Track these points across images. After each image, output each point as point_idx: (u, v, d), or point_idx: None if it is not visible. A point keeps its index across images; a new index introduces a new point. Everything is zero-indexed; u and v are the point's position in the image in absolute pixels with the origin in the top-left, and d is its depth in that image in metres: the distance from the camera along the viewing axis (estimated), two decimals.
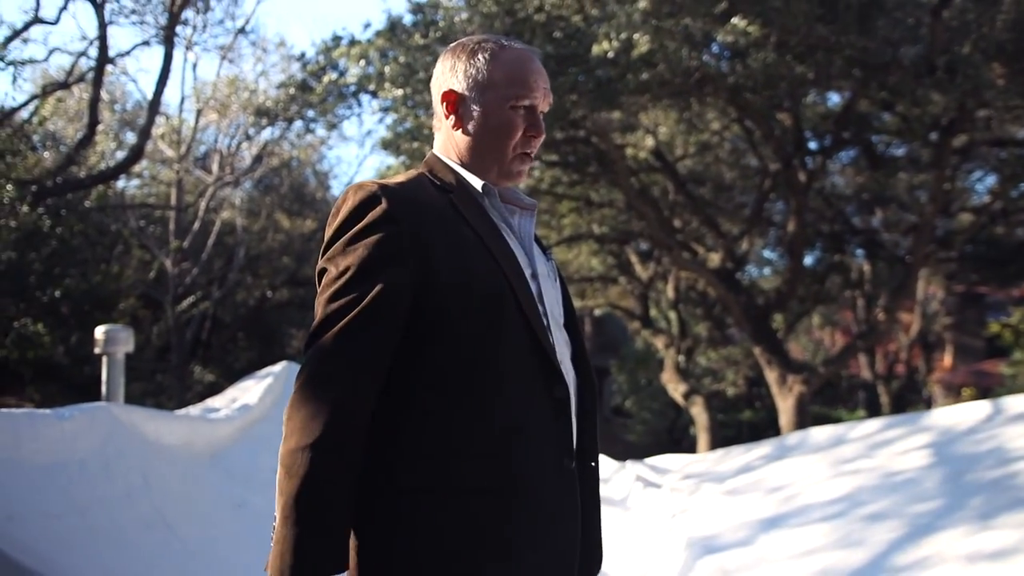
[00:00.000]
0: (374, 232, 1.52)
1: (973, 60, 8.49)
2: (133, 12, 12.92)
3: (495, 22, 8.74)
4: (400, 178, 1.66)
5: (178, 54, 17.38)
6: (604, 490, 6.29)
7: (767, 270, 21.56)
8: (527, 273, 1.64)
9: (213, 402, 6.40)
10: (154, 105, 11.40)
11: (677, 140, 14.87)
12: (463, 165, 1.71)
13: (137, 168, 18.47)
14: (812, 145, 14.58)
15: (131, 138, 17.80)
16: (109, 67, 14.51)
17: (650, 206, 13.79)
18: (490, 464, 1.50)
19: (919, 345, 22.74)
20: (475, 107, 1.68)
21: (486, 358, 1.53)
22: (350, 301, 1.48)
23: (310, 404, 1.43)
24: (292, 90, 12.39)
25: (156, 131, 17.95)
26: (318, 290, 1.56)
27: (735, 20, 7.69)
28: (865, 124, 13.38)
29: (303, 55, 12.86)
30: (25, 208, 9.72)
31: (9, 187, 9.65)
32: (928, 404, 22.41)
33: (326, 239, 1.58)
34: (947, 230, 15.94)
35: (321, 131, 17.24)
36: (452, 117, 1.70)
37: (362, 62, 10.69)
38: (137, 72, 38.52)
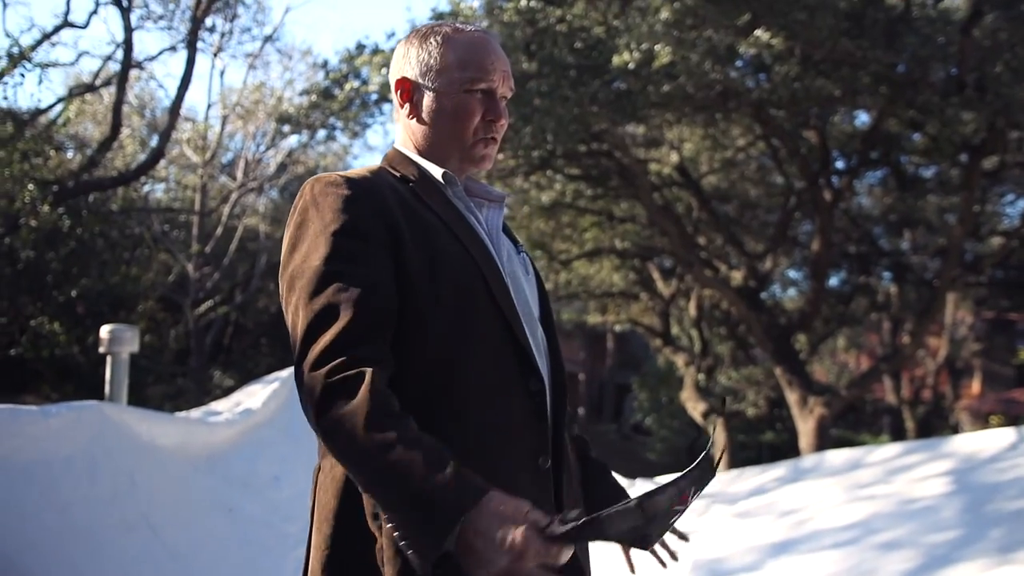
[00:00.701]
0: (342, 216, 1.43)
1: (1004, 79, 8.28)
2: (161, 17, 13.07)
3: (516, 31, 8.67)
4: (359, 170, 1.58)
5: (207, 60, 17.55)
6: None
7: (792, 290, 21.30)
8: (496, 262, 1.56)
9: (216, 405, 6.33)
10: (175, 109, 11.45)
11: (702, 156, 14.71)
12: (423, 156, 1.63)
13: (163, 172, 18.63)
14: (839, 164, 14.38)
15: (157, 141, 17.95)
16: (136, 72, 14.67)
17: (673, 222, 13.63)
18: (464, 463, 1.39)
19: (946, 371, 22.29)
20: (429, 93, 1.60)
21: (458, 349, 1.44)
22: (337, 293, 1.36)
23: (346, 420, 1.27)
24: (314, 97, 12.38)
25: (182, 136, 18.13)
26: (286, 292, 1.44)
27: (758, 32, 7.56)
28: (893, 144, 13.16)
29: (326, 63, 12.89)
30: (46, 208, 9.77)
31: (31, 187, 9.71)
32: (955, 431, 21.95)
33: (288, 236, 1.48)
34: (976, 254, 15.60)
35: (344, 139, 17.25)
36: (407, 105, 1.63)
37: (384, 70, 10.66)
38: (165, 77, 38.99)
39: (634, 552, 1.52)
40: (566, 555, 1.22)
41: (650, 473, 14.10)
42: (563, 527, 1.19)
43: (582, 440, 1.82)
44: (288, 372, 7.19)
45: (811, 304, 13.92)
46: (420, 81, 1.60)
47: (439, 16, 10.83)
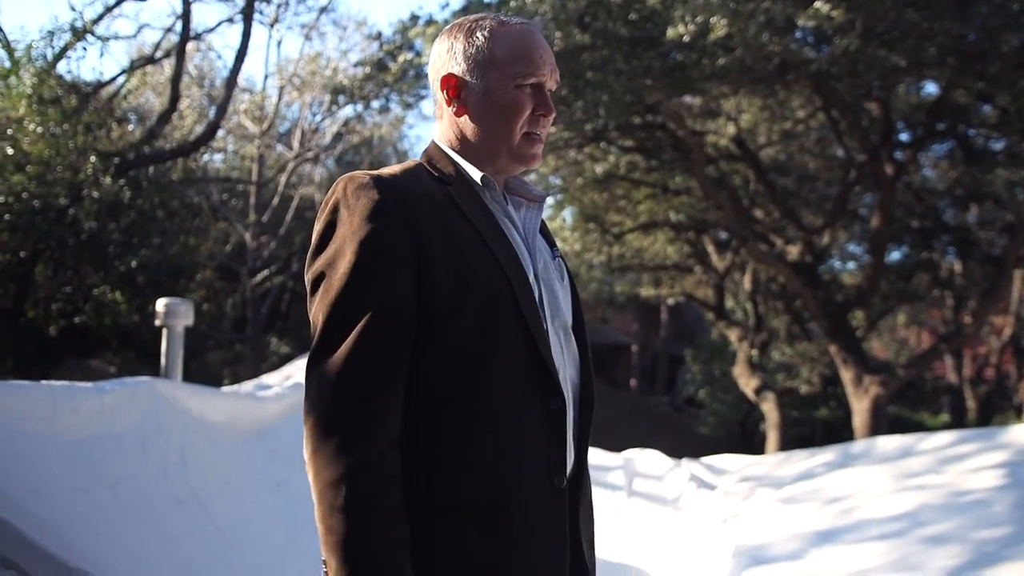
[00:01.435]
0: (369, 226, 1.41)
1: None
2: None
3: (568, 3, 8.54)
4: (395, 169, 1.56)
5: (263, 32, 17.70)
6: (657, 488, 6.12)
7: (851, 264, 20.83)
8: (529, 274, 1.53)
9: (267, 378, 6.46)
10: (231, 82, 11.61)
11: (760, 127, 14.39)
12: (466, 153, 1.60)
13: (221, 143, 18.93)
14: (903, 136, 13.94)
15: (215, 112, 18.23)
16: (195, 43, 14.88)
17: (728, 195, 13.41)
18: (478, 483, 1.41)
19: (1011, 349, 21.63)
20: (478, 89, 1.56)
21: (479, 364, 1.43)
22: (355, 306, 1.38)
23: (336, 432, 1.33)
24: (369, 69, 12.43)
25: (240, 107, 18.36)
26: (310, 292, 1.45)
27: (817, 4, 7.32)
28: (961, 116, 12.70)
29: (380, 35, 12.91)
30: (108, 180, 10.01)
31: (93, 159, 9.94)
32: (1019, 412, 21.38)
33: (316, 236, 1.48)
34: None
35: (398, 110, 17.28)
36: (454, 102, 1.59)
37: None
38: (223, 48, 39.46)
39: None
40: None
41: (700, 449, 14.03)
42: None
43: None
44: None
45: (869, 280, 13.60)
46: (468, 78, 1.56)
47: None
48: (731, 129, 13.42)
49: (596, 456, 6.98)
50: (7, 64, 11.10)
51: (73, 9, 13.53)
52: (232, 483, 4.27)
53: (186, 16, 11.83)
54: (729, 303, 19.84)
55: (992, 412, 20.70)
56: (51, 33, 11.42)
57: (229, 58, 28.83)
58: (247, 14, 12.11)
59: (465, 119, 1.59)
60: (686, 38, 7.90)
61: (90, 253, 10.38)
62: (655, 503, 5.99)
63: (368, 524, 1.31)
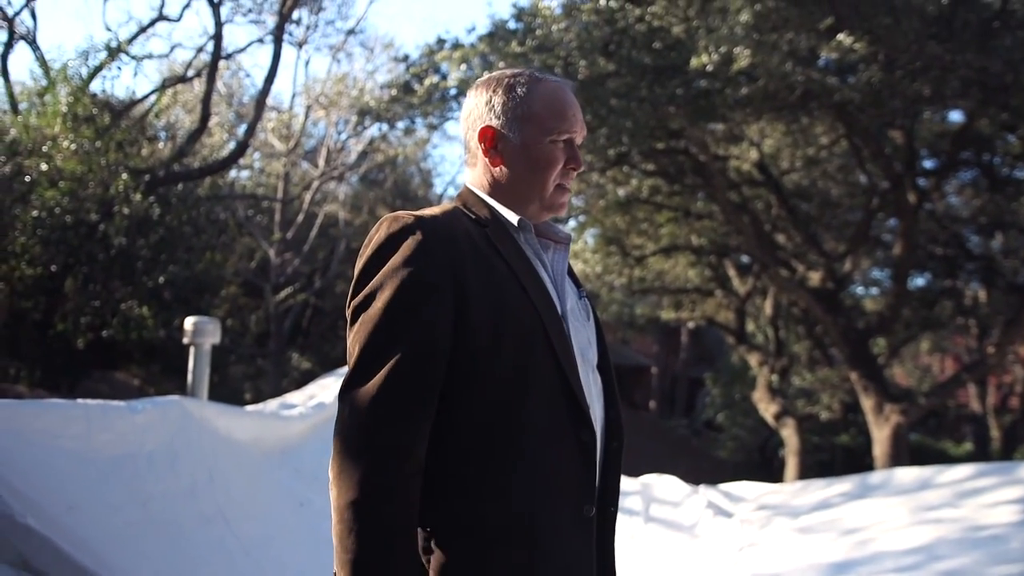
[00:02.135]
0: (411, 265, 1.50)
1: None
2: (249, 11, 13.47)
3: (594, 32, 8.67)
4: (436, 210, 1.66)
5: (292, 52, 17.97)
6: (674, 514, 6.15)
7: (874, 290, 20.72)
8: (558, 311, 1.63)
9: (291, 398, 6.56)
10: (261, 102, 11.81)
11: (783, 153, 14.43)
12: (499, 199, 1.70)
13: (248, 160, 19.20)
14: (927, 164, 13.93)
15: (244, 131, 18.49)
16: (225, 63, 15.14)
17: (749, 220, 13.44)
18: (508, 511, 1.48)
19: None
20: (515, 142, 1.67)
21: (515, 398, 1.51)
22: (392, 340, 1.46)
23: (362, 456, 1.41)
24: (395, 91, 12.60)
25: (268, 125, 18.63)
26: (350, 323, 1.54)
27: (841, 37, 7.39)
28: (985, 145, 12.69)
29: (407, 57, 13.08)
30: (138, 196, 10.21)
31: (124, 176, 10.16)
32: None
33: (358, 271, 1.57)
34: None
35: (423, 131, 17.49)
36: (491, 153, 1.70)
37: (463, 66, 10.78)
38: (253, 68, 40.01)
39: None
40: None
41: (719, 474, 13.99)
42: None
43: None
44: None
45: (892, 307, 13.56)
46: (505, 131, 1.67)
47: (519, 12, 10.89)
48: (754, 154, 13.47)
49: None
50: (44, 82, 11.39)
51: (108, 29, 13.78)
52: (257, 502, 4.36)
53: (218, 36, 12.08)
54: (750, 327, 19.78)
55: (1017, 442, 20.45)
56: (86, 52, 11.71)
57: (258, 76, 29.20)
58: (277, 36, 12.33)
59: (501, 169, 1.69)
60: (710, 67, 7.99)
61: (119, 268, 10.57)
62: (672, 529, 6.02)
63: (383, 547, 1.39)
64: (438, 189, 24.91)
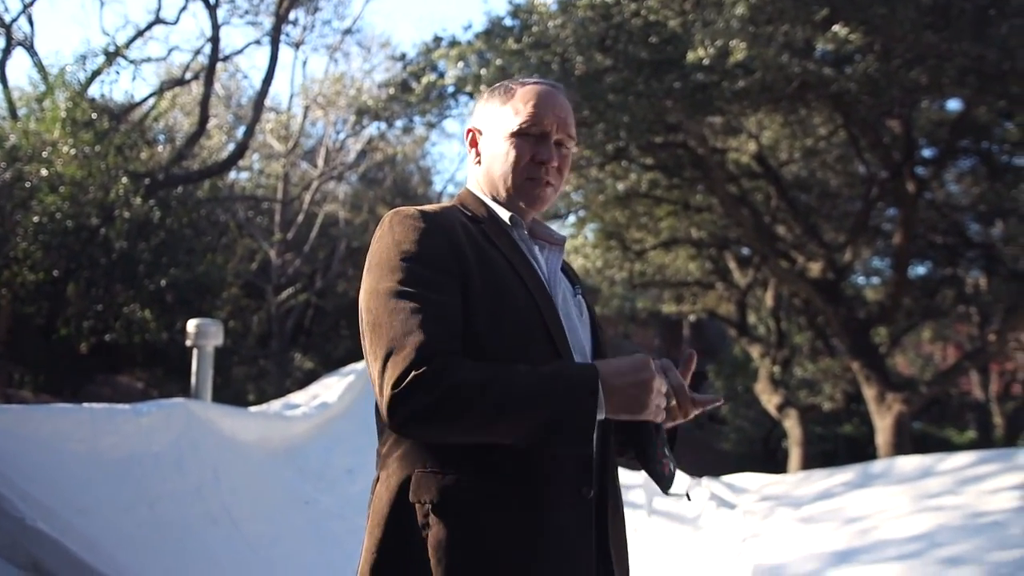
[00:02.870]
0: (419, 247, 1.56)
1: None
2: (246, 12, 13.48)
3: (590, 27, 8.68)
4: (435, 206, 1.71)
5: (289, 52, 17.99)
6: (678, 507, 6.18)
7: (875, 279, 20.72)
8: (554, 302, 1.68)
9: (294, 398, 6.60)
10: (259, 103, 11.84)
11: (781, 145, 14.44)
12: (492, 198, 1.77)
13: (247, 161, 19.22)
14: (926, 153, 13.93)
15: (243, 132, 18.51)
16: (222, 65, 15.17)
17: (749, 212, 13.46)
18: (509, 490, 1.51)
19: None
20: (485, 139, 1.78)
21: None
22: (414, 312, 1.48)
23: (451, 386, 1.42)
24: (392, 90, 12.62)
25: (266, 126, 18.65)
26: (364, 312, 1.56)
27: (836, 28, 7.41)
28: (984, 133, 12.70)
29: (404, 55, 13.11)
30: (138, 200, 10.25)
31: (124, 180, 10.19)
32: None
33: (368, 260, 1.62)
34: None
35: (421, 130, 17.52)
36: (472, 152, 1.81)
37: (460, 64, 10.80)
38: (251, 69, 40.00)
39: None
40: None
41: (722, 466, 14.02)
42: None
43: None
44: (363, 364, 7.44)
45: (893, 296, 13.58)
46: (481, 129, 1.79)
47: (516, 9, 10.91)
48: (752, 146, 13.48)
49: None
50: (42, 88, 11.43)
51: (106, 33, 13.81)
52: (263, 501, 4.40)
53: (215, 39, 12.10)
54: (751, 319, 19.80)
55: (1020, 429, 20.44)
56: (84, 57, 11.75)
57: (255, 78, 29.23)
58: (274, 37, 12.36)
59: (480, 166, 1.79)
60: (706, 61, 8.01)
61: (121, 272, 10.60)
62: (675, 522, 6.05)
63: (500, 385, 1.43)
64: (437, 187, 24.92)
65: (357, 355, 13.11)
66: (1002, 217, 16.50)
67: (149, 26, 12.92)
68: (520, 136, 1.71)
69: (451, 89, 12.09)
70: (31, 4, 12.31)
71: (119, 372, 14.23)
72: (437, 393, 1.41)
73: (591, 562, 1.60)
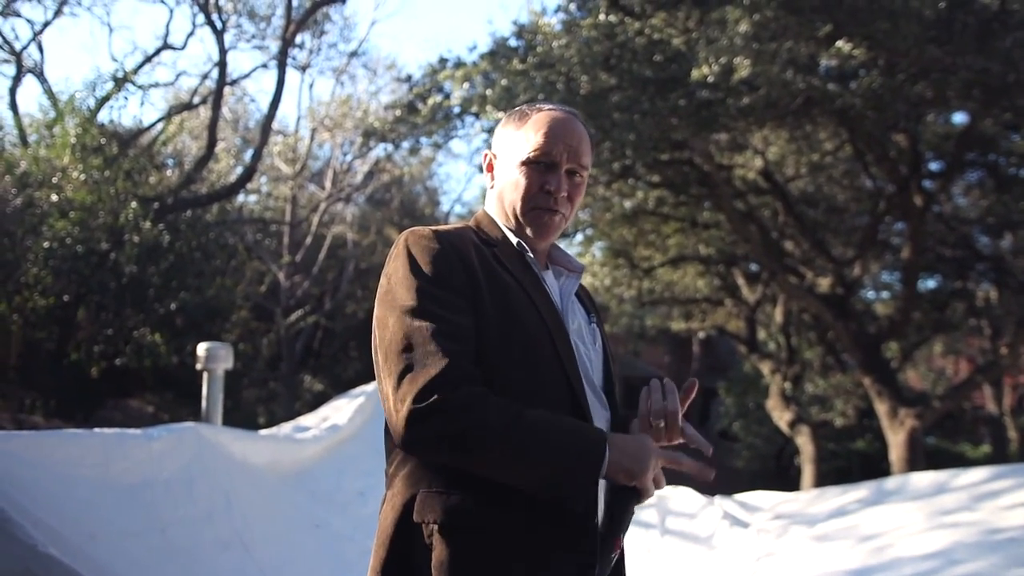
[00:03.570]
0: (433, 267, 1.57)
1: None
2: (253, 37, 13.60)
3: (594, 47, 8.72)
4: (449, 227, 1.73)
5: (295, 75, 18.14)
6: (691, 526, 6.13)
7: (885, 293, 20.63)
8: (565, 327, 1.69)
9: (304, 420, 6.60)
10: (267, 127, 11.92)
11: (787, 160, 14.44)
12: (505, 223, 1.79)
13: (255, 184, 19.32)
14: (933, 166, 13.90)
15: (250, 155, 18.61)
16: (229, 89, 15.28)
17: (756, 229, 13.44)
18: (514, 516, 1.51)
19: None
20: (499, 165, 1.79)
21: (523, 400, 1.52)
22: (432, 331, 1.49)
23: (471, 422, 1.43)
24: (399, 112, 12.68)
25: (274, 149, 18.76)
26: (379, 330, 1.56)
27: (840, 43, 7.42)
28: (990, 145, 12.68)
29: (410, 77, 13.17)
30: (147, 224, 10.31)
31: (134, 204, 10.26)
32: None
33: (383, 282, 1.63)
34: None
35: (428, 151, 17.60)
36: (489, 176, 1.82)
37: (466, 85, 10.84)
38: (258, 93, 40.29)
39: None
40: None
41: (735, 483, 13.91)
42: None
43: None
44: (372, 385, 7.45)
45: (903, 311, 13.51)
46: (496, 153, 1.81)
47: (520, 29, 10.98)
48: (758, 162, 13.48)
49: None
50: (52, 114, 11.53)
51: (114, 59, 13.93)
52: (274, 525, 4.39)
53: (222, 63, 12.21)
54: (761, 335, 19.72)
55: None
56: (93, 83, 11.87)
57: (262, 101, 29.46)
58: (281, 60, 12.46)
59: (492, 191, 1.81)
60: (711, 78, 8.02)
61: (131, 296, 10.66)
62: (688, 541, 6.00)
63: (520, 435, 1.45)
64: (444, 207, 25.02)
65: (366, 377, 13.13)
66: (1011, 229, 16.42)
67: (157, 52, 13.07)
68: (530, 165, 1.72)
69: (457, 110, 12.13)
70: (41, 32, 12.46)
71: (130, 396, 14.27)
72: (459, 425, 1.42)
73: None
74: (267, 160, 18.84)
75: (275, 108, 11.96)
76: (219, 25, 12.32)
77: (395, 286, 1.57)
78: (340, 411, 6.58)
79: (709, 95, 8.99)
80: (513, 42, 10.95)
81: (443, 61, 11.95)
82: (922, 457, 11.97)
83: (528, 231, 1.75)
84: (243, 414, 15.14)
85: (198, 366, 6.35)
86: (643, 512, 6.77)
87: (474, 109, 10.95)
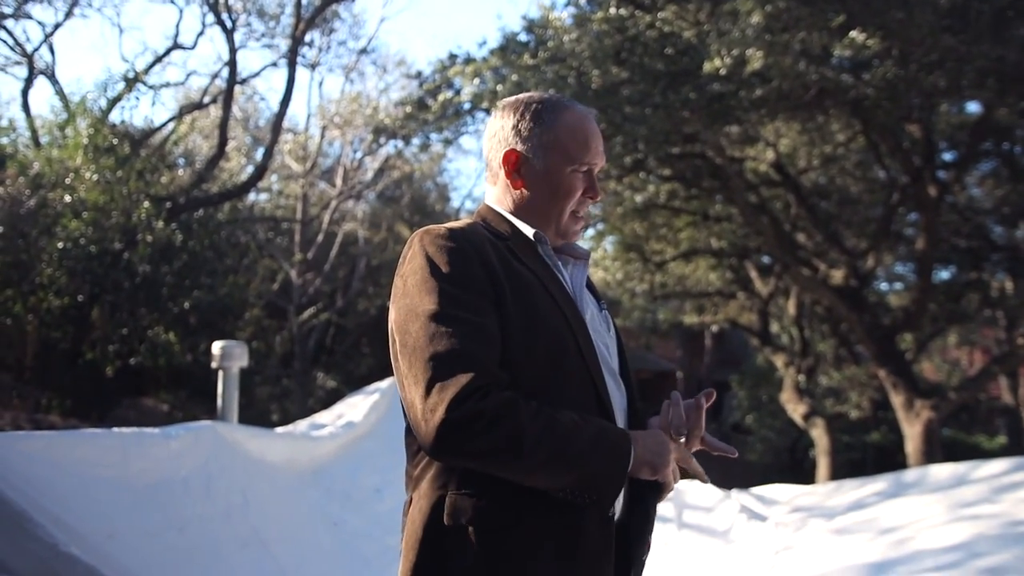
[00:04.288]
0: (452, 267, 1.54)
1: None
2: (262, 35, 13.61)
3: (605, 40, 8.68)
4: (460, 223, 1.69)
5: (305, 73, 18.16)
6: (708, 520, 6.12)
7: (898, 284, 20.50)
8: (582, 319, 1.67)
9: (320, 418, 6.60)
10: (277, 125, 11.94)
11: (800, 152, 14.36)
12: (517, 216, 1.75)
13: (266, 183, 19.37)
14: (947, 156, 13.81)
15: (261, 154, 18.64)
16: (240, 88, 15.31)
17: (769, 221, 13.38)
18: (542, 511, 1.50)
19: None
20: (538, 168, 1.72)
21: (545, 400, 1.52)
22: (457, 336, 1.46)
23: (494, 429, 1.40)
24: (409, 108, 12.67)
25: (284, 147, 18.79)
26: (399, 335, 1.53)
27: (853, 34, 7.36)
28: (1005, 134, 12.57)
29: (419, 73, 13.16)
30: (160, 224, 10.34)
31: (146, 204, 10.29)
32: None
33: (401, 279, 1.59)
34: None
35: (438, 147, 17.60)
36: (514, 176, 1.74)
37: (476, 80, 10.82)
38: (268, 91, 40.40)
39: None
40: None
41: (749, 477, 13.88)
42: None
43: None
44: (387, 382, 7.45)
45: (917, 302, 13.43)
46: (530, 156, 1.72)
47: (530, 24, 10.94)
48: (770, 155, 13.42)
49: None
50: (64, 116, 11.58)
51: (125, 60, 13.98)
52: (292, 523, 4.39)
53: (232, 62, 12.22)
54: (774, 328, 19.64)
55: None
56: (104, 84, 11.91)
57: (273, 100, 29.48)
58: (291, 58, 12.47)
59: (521, 192, 1.74)
60: (723, 70, 7.97)
61: (144, 295, 10.69)
62: (705, 535, 5.98)
63: (553, 440, 1.44)
64: (455, 203, 25.00)
65: (380, 373, 13.16)
66: None
67: (167, 52, 13.11)
68: (578, 173, 1.71)
69: (467, 106, 12.09)
70: (52, 34, 12.50)
71: (144, 395, 14.35)
72: (493, 435, 1.40)
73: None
74: (278, 158, 18.87)
75: (285, 106, 11.99)
76: (229, 24, 12.34)
77: (414, 289, 1.53)
78: (355, 408, 6.57)
79: (721, 88, 8.93)
80: (523, 37, 10.91)
81: (453, 57, 11.92)
82: (939, 449, 11.91)
83: (562, 236, 1.75)
84: (257, 411, 15.18)
85: (213, 364, 6.37)
86: (660, 506, 6.75)
87: (484, 105, 10.92)
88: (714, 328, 23.84)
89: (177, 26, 14.95)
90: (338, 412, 6.64)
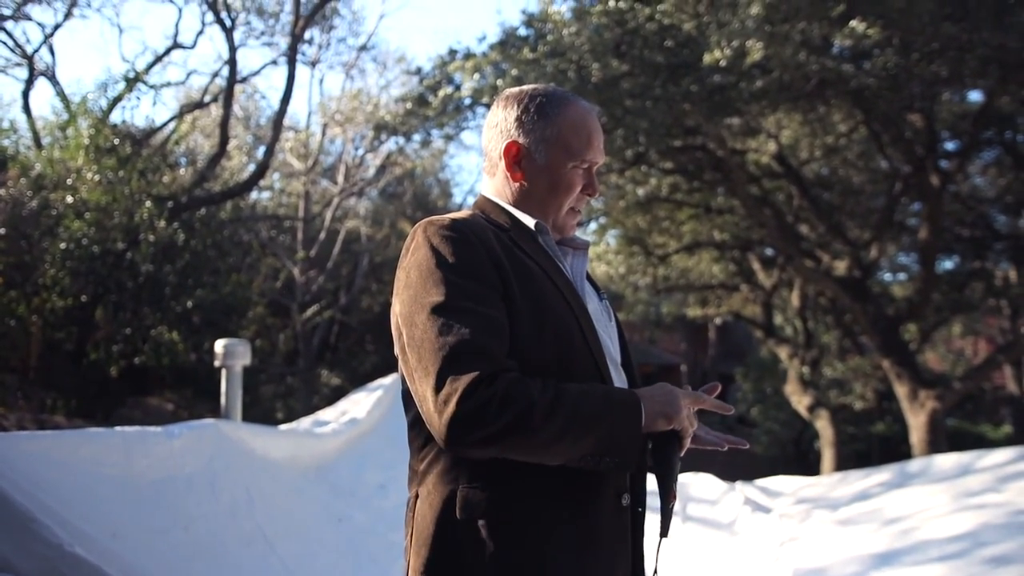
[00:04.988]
0: (459, 260, 1.52)
1: None
2: (262, 33, 13.60)
3: (605, 34, 8.66)
4: (462, 214, 1.68)
5: (305, 71, 18.15)
6: (712, 512, 6.12)
7: (902, 275, 20.47)
8: (586, 308, 1.68)
9: (323, 415, 6.61)
10: (278, 123, 11.93)
11: (802, 144, 14.32)
12: (516, 206, 1.74)
13: (268, 181, 19.37)
14: (949, 145, 13.78)
15: (262, 152, 18.64)
16: (240, 87, 15.31)
17: (772, 213, 13.36)
18: (557, 497, 1.51)
19: None
20: (539, 162, 1.71)
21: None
22: (466, 327, 1.44)
23: (507, 408, 1.39)
24: (410, 104, 12.66)
25: (286, 145, 18.79)
26: (406, 328, 1.51)
27: (853, 23, 7.33)
28: (1007, 123, 12.54)
29: (419, 70, 13.15)
30: (162, 223, 10.33)
31: (148, 204, 10.29)
32: None
33: (405, 271, 1.57)
34: None
35: (440, 143, 17.59)
36: (514, 168, 1.73)
37: (476, 75, 10.80)
38: (268, 90, 40.39)
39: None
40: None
41: (754, 469, 13.88)
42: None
43: None
44: (390, 379, 7.46)
45: (921, 292, 13.41)
46: (531, 149, 1.71)
47: (529, 18, 10.91)
48: (772, 146, 13.39)
49: (650, 481, 6.99)
50: (65, 116, 11.58)
51: (125, 60, 13.98)
52: (296, 520, 4.40)
53: (232, 61, 12.21)
54: (778, 320, 19.63)
55: None
56: (105, 84, 11.90)
57: (273, 98, 29.45)
58: (291, 56, 12.46)
59: (521, 184, 1.73)
60: (723, 62, 7.95)
61: (147, 295, 10.69)
62: (710, 527, 5.99)
63: (565, 407, 1.43)
64: (457, 199, 24.99)
65: (383, 370, 13.16)
66: None
67: (167, 51, 13.09)
68: (576, 168, 1.71)
69: (468, 101, 12.09)
70: (52, 34, 12.50)
71: (149, 394, 14.36)
72: (509, 414, 1.39)
73: (629, 567, 1.63)
74: (279, 156, 18.86)
75: (286, 104, 11.97)
76: (228, 23, 12.33)
77: (419, 280, 1.52)
78: (358, 405, 6.58)
79: (721, 79, 8.92)
80: (523, 31, 10.90)
81: (453, 52, 11.91)
82: (943, 439, 11.90)
83: (559, 231, 1.76)
84: (261, 410, 15.21)
85: (216, 363, 6.37)
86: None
87: (485, 100, 10.91)
88: (718, 321, 23.82)
89: (177, 25, 14.99)
90: (342, 409, 6.65)
